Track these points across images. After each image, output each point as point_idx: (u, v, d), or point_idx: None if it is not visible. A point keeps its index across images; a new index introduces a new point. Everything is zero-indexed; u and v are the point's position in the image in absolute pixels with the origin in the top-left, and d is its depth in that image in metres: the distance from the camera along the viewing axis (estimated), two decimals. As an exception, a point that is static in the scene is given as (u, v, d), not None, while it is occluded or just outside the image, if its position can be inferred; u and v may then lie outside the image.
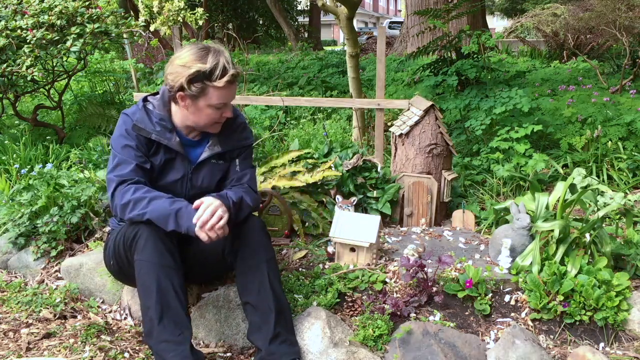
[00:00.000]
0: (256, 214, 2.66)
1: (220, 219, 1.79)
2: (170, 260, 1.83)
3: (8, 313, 2.28)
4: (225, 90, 1.87)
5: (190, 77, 1.82)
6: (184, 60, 1.84)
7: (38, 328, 2.14)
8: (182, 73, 1.83)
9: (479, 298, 2.14)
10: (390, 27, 22.36)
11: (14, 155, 3.80)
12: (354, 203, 2.63)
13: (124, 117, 1.98)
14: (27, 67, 3.62)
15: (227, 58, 1.86)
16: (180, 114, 1.96)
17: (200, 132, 2.05)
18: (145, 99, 2.02)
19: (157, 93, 2.03)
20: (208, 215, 1.77)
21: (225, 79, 1.84)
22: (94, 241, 2.70)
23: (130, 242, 1.87)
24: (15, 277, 2.67)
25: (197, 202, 1.82)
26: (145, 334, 1.80)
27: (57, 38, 3.73)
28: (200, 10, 5.27)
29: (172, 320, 1.76)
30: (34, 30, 3.66)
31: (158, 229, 1.84)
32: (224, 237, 1.94)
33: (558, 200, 2.34)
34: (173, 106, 1.97)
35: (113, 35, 3.97)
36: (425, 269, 2.15)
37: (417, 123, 2.97)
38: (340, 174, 2.82)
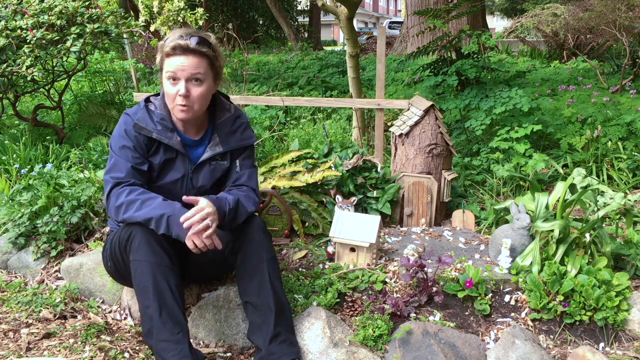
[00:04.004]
0: (257, 213, 2.66)
1: (207, 228, 1.78)
2: (165, 259, 1.83)
3: (8, 313, 2.28)
4: (172, 59, 1.87)
5: (159, 51, 1.91)
6: None
7: (38, 328, 2.14)
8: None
9: (479, 298, 2.14)
10: (390, 27, 22.35)
11: (14, 155, 3.80)
12: (354, 203, 2.63)
13: (125, 117, 1.99)
14: (27, 67, 3.61)
15: (189, 32, 1.88)
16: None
17: (199, 131, 2.04)
18: (147, 100, 2.02)
19: (159, 94, 2.03)
20: (197, 219, 1.77)
21: (170, 44, 1.85)
22: (94, 241, 2.70)
23: (125, 243, 1.87)
24: (15, 277, 2.67)
25: (190, 198, 1.83)
26: (145, 334, 1.80)
27: (57, 38, 3.73)
28: (200, 10, 5.28)
29: (170, 318, 1.76)
30: (34, 30, 3.66)
31: (152, 229, 1.84)
32: (226, 237, 1.94)
33: (558, 200, 2.34)
34: None
35: (113, 35, 3.97)
36: (425, 269, 2.15)
37: (417, 123, 2.97)
38: (340, 174, 2.82)
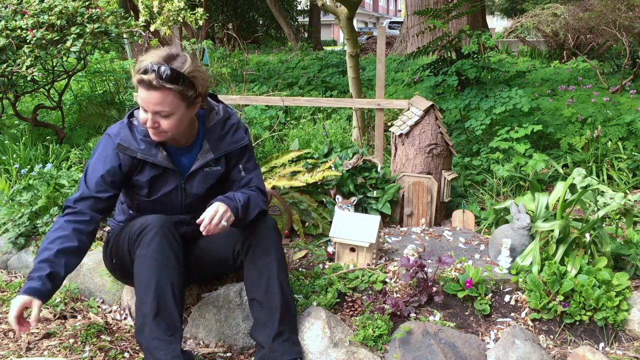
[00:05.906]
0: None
1: (223, 229, 1.80)
2: (173, 260, 1.82)
3: (8, 313, 2.28)
4: (140, 90, 1.77)
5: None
6: None
7: (38, 328, 2.14)
8: None
9: (479, 298, 2.14)
10: (390, 27, 22.35)
11: (14, 155, 3.80)
12: (354, 203, 2.63)
13: (106, 138, 1.93)
14: (27, 67, 3.61)
15: (160, 60, 1.73)
16: None
17: (189, 138, 1.98)
18: (130, 115, 1.95)
19: None
20: (215, 223, 1.78)
21: (136, 76, 1.75)
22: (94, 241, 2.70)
23: (138, 234, 1.84)
24: (15, 277, 2.67)
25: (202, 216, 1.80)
26: (137, 330, 1.79)
27: (57, 38, 3.72)
28: (200, 10, 5.27)
29: (166, 320, 1.76)
30: (34, 30, 3.66)
31: (168, 225, 1.84)
32: (237, 236, 1.96)
33: (558, 200, 2.34)
34: None
35: (113, 35, 3.97)
36: (425, 269, 2.15)
37: (417, 123, 2.97)
38: (340, 174, 2.82)
